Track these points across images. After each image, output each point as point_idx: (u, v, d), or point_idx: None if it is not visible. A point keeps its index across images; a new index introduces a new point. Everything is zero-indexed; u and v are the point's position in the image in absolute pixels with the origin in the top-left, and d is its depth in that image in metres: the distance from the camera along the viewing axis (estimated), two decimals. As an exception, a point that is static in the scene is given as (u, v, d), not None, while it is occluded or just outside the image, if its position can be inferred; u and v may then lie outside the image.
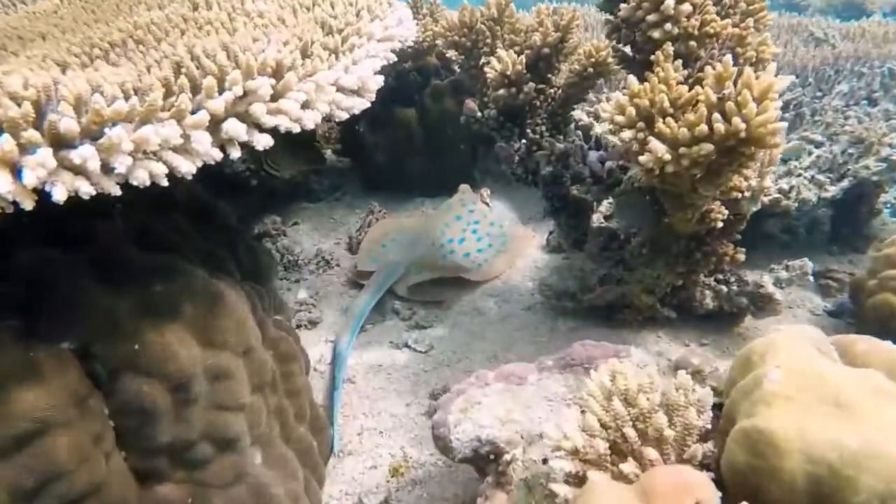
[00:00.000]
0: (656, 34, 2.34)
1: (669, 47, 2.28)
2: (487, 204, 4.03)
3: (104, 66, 1.56)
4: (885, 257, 2.79)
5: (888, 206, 3.91)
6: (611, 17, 2.62)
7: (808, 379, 1.39)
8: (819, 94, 4.17)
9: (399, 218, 4.41)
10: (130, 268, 1.68)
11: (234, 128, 1.42)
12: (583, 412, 1.59)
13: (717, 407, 1.57)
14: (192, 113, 1.37)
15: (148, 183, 1.28)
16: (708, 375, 1.83)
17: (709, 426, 1.50)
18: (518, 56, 3.12)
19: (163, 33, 1.83)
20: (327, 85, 1.66)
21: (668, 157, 2.02)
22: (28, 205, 1.13)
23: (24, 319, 1.50)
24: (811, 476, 1.24)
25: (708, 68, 2.15)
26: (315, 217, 4.60)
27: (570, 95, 3.27)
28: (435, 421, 1.94)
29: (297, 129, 1.55)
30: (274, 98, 1.52)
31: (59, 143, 1.19)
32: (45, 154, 1.13)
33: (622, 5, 2.44)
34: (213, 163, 1.40)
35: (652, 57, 2.32)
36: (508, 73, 3.12)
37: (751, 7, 2.52)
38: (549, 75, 3.26)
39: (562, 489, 1.46)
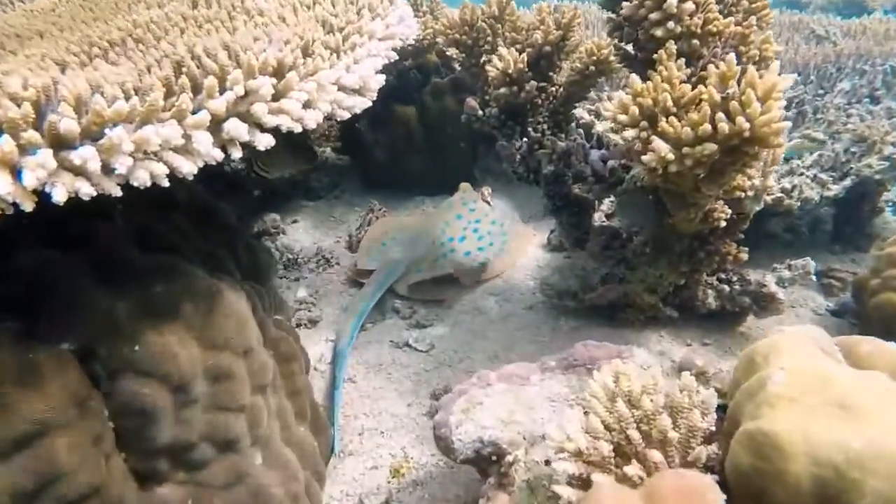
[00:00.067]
0: (659, 32, 2.33)
1: (672, 46, 2.27)
2: (488, 202, 4.03)
3: (104, 65, 1.54)
4: (888, 256, 2.78)
5: (890, 204, 3.91)
6: (613, 16, 2.61)
7: (812, 381, 1.38)
8: (821, 91, 4.17)
9: (399, 216, 4.40)
10: (131, 268, 1.66)
11: (236, 128, 1.41)
12: (586, 413, 1.58)
13: (720, 408, 1.57)
14: (193, 113, 1.35)
15: (149, 184, 1.27)
16: (712, 377, 1.82)
17: (713, 428, 1.49)
18: (519, 54, 3.10)
19: (162, 32, 1.81)
20: (329, 84, 1.65)
21: (671, 156, 2.01)
22: (28, 206, 1.12)
23: (24, 320, 1.49)
24: (817, 479, 1.23)
25: (711, 67, 2.13)
26: (314, 215, 4.59)
27: (572, 94, 3.25)
28: (436, 421, 1.93)
29: (298, 128, 1.54)
30: (275, 98, 1.51)
31: (60, 143, 1.18)
32: (46, 155, 1.12)
33: (624, 3, 2.42)
34: (214, 163, 1.39)
35: (654, 55, 2.31)
36: (510, 71, 3.10)
37: (753, 5, 2.51)
38: (551, 73, 3.24)
39: (565, 491, 1.46)
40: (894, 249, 2.79)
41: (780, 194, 3.23)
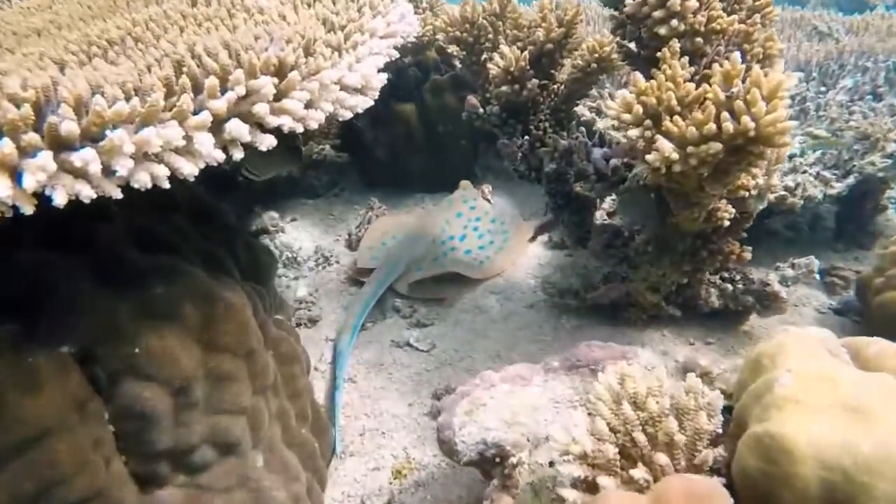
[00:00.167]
0: (662, 31, 2.31)
1: (676, 44, 2.25)
2: (489, 200, 4.01)
3: (103, 64, 1.52)
4: (893, 255, 2.78)
5: (894, 201, 3.89)
6: (615, 13, 2.59)
7: (820, 383, 1.37)
8: (823, 89, 4.15)
9: (399, 215, 4.38)
10: (131, 270, 1.65)
11: (237, 128, 1.39)
12: (590, 415, 1.57)
13: (725, 410, 1.56)
14: (195, 113, 1.33)
15: (150, 186, 1.25)
16: (716, 377, 1.81)
17: (719, 430, 1.48)
18: (521, 52, 3.08)
19: (162, 30, 1.79)
20: (331, 83, 1.63)
21: (675, 156, 2.00)
22: (28, 209, 1.10)
23: (24, 323, 1.48)
24: (825, 482, 1.22)
25: (715, 66, 2.12)
26: (314, 213, 4.57)
27: (573, 91, 3.23)
28: (440, 423, 1.92)
29: (300, 129, 1.52)
30: (277, 97, 1.49)
31: (60, 145, 1.16)
32: (46, 157, 1.10)
33: (627, 1, 2.40)
34: (215, 164, 1.37)
35: (657, 53, 2.29)
36: (511, 69, 3.08)
37: (757, 2, 2.49)
38: (553, 71, 3.22)
39: (570, 494, 1.45)
40: (898, 248, 2.78)
41: (783, 192, 3.22)
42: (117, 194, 1.22)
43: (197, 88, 1.40)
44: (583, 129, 3.16)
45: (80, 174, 1.16)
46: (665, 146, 2.02)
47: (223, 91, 1.41)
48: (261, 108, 1.44)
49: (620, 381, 1.56)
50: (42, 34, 1.95)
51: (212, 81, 1.37)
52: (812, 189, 3.30)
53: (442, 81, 4.53)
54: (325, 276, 3.80)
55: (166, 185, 1.28)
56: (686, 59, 2.22)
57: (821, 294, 3.34)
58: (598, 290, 3.02)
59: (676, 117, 2.04)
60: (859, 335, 1.62)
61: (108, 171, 1.19)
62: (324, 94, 1.61)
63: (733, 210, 2.56)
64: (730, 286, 2.88)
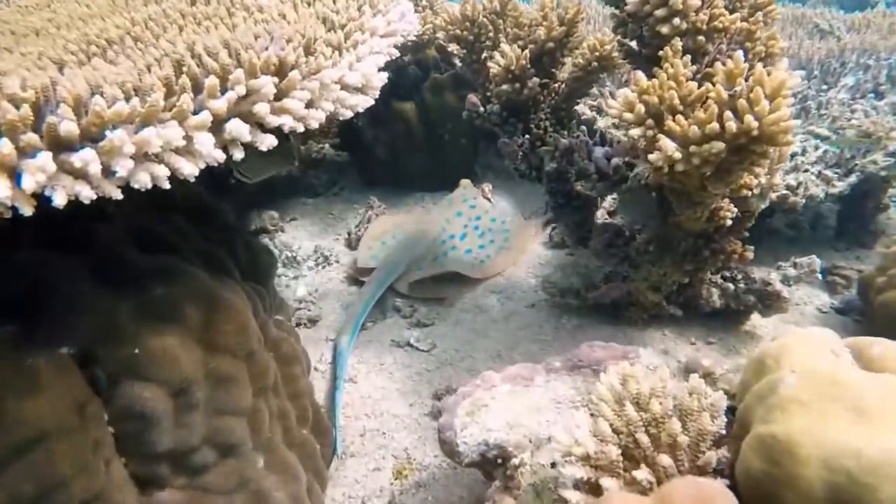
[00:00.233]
0: (665, 29, 2.30)
1: (678, 42, 2.24)
2: (489, 199, 4.00)
3: (102, 64, 1.51)
4: (894, 254, 2.77)
5: (895, 200, 3.88)
6: (616, 12, 2.58)
7: (824, 384, 1.36)
8: (825, 87, 4.14)
9: (399, 214, 4.37)
10: (131, 270, 1.64)
11: (238, 128, 1.38)
12: (592, 415, 1.57)
13: (729, 411, 1.55)
14: (195, 113, 1.32)
15: (150, 186, 1.24)
16: (719, 378, 1.80)
17: (723, 431, 1.48)
18: (522, 51, 3.07)
19: (161, 29, 1.78)
20: (332, 83, 1.62)
21: (678, 155, 1.99)
22: (27, 210, 1.09)
23: (23, 324, 1.46)
24: (830, 484, 1.21)
25: (718, 64, 2.11)
26: (313, 212, 4.56)
27: (574, 90, 3.22)
28: (441, 424, 1.91)
29: (301, 128, 1.51)
30: (278, 97, 1.48)
31: (59, 146, 1.15)
32: (45, 158, 1.09)
33: (629, -1, 2.40)
34: (215, 164, 1.36)
35: (659, 52, 2.28)
36: (512, 67, 3.07)
37: (759, 0, 2.48)
38: (553, 70, 3.21)
39: (573, 496, 1.44)
40: (901, 247, 2.78)
41: (785, 191, 3.21)
42: (117, 195, 1.21)
43: (197, 88, 1.39)
44: (584, 127, 3.15)
45: (80, 175, 1.15)
46: (668, 145, 2.01)
47: (223, 91, 1.40)
48: (261, 108, 1.43)
49: (623, 382, 1.56)
50: (41, 33, 1.93)
51: (212, 81, 1.36)
52: (814, 188, 3.29)
53: (442, 80, 4.52)
54: (324, 276, 3.79)
55: (166, 186, 1.27)
56: (688, 57, 2.21)
57: (822, 293, 3.33)
58: (599, 289, 3.02)
59: (679, 116, 2.03)
60: (861, 335, 1.61)
61: (107, 172, 1.18)
62: (324, 93, 1.60)
63: (735, 209, 2.55)
64: (731, 285, 2.87)
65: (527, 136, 3.26)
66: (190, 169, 1.30)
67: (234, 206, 3.65)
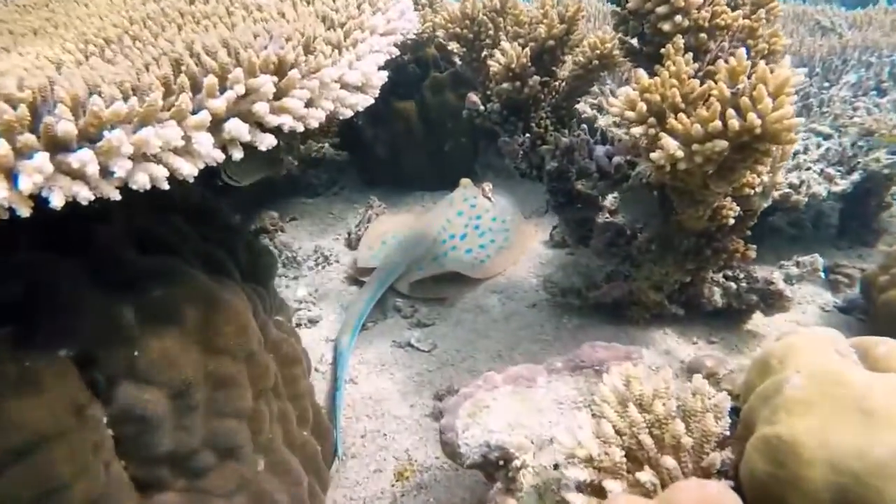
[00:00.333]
0: (666, 26, 2.29)
1: (680, 40, 2.23)
2: (489, 199, 3.98)
3: (100, 63, 1.50)
4: (897, 253, 2.76)
5: (897, 198, 3.87)
6: (618, 9, 2.57)
7: (830, 384, 1.35)
8: (826, 84, 4.13)
9: (399, 213, 4.36)
10: (130, 272, 1.63)
11: (237, 128, 1.37)
12: (594, 416, 1.56)
13: (733, 411, 1.54)
14: (193, 113, 1.31)
15: (148, 187, 1.23)
16: (723, 378, 1.79)
17: (727, 432, 1.46)
18: (522, 49, 3.06)
19: (159, 28, 1.77)
20: (331, 82, 1.61)
21: (680, 153, 1.98)
22: (25, 212, 1.08)
23: (21, 326, 1.45)
24: (835, 486, 1.20)
25: (720, 62, 2.09)
26: (313, 212, 4.55)
27: (575, 88, 3.21)
28: (442, 426, 1.89)
29: (300, 128, 1.50)
30: (277, 96, 1.47)
31: (57, 146, 1.14)
32: (42, 159, 1.08)
33: (630, -3, 2.38)
34: (214, 164, 1.35)
35: (661, 50, 2.27)
36: (513, 66, 3.06)
37: (761, -2, 2.47)
38: (554, 68, 3.19)
39: (576, 498, 1.43)
40: (904, 246, 2.77)
41: (787, 190, 3.19)
42: (115, 195, 1.19)
43: (196, 87, 1.37)
44: (584, 126, 3.13)
45: (78, 175, 1.14)
46: (670, 144, 1.99)
47: (222, 90, 1.38)
48: (261, 107, 1.41)
49: (626, 383, 1.55)
50: (38, 33, 1.92)
51: (211, 80, 1.35)
52: (816, 186, 3.28)
53: (442, 79, 4.51)
54: (324, 276, 3.78)
55: (165, 186, 1.26)
56: (690, 55, 2.20)
57: (825, 292, 3.32)
58: (600, 288, 3.00)
59: (681, 114, 2.02)
60: (864, 333, 1.60)
61: (105, 172, 1.17)
62: (324, 92, 1.59)
63: (738, 208, 2.54)
64: (733, 284, 2.86)
65: (527, 134, 3.25)
66: (189, 169, 1.29)
67: (237, 207, 3.65)
